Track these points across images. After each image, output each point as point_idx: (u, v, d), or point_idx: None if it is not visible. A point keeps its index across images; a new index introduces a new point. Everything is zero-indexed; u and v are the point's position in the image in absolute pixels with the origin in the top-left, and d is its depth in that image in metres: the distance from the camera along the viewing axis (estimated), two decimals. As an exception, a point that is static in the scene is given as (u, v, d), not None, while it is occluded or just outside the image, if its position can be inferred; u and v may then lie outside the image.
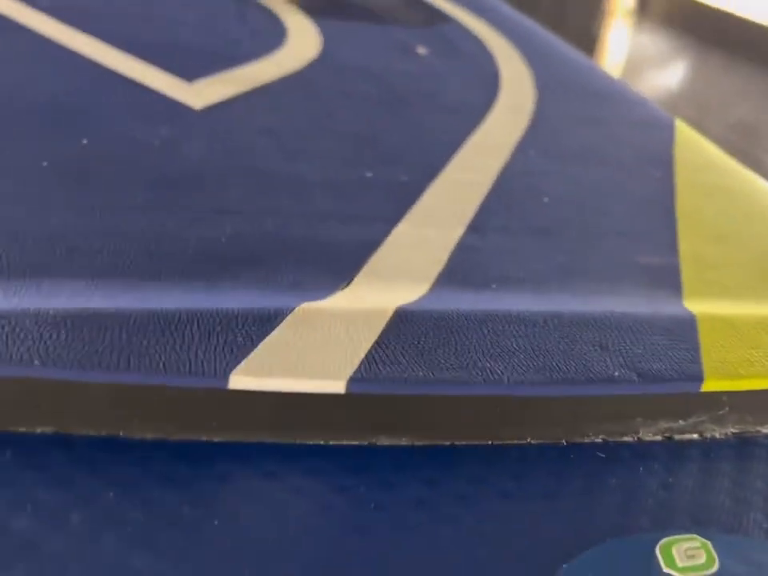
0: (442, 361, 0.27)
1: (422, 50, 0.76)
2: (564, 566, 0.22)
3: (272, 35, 0.70)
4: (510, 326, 0.30)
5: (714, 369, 0.30)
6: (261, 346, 0.26)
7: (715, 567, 0.23)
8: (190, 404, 0.24)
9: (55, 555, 0.22)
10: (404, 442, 0.26)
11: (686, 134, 0.64)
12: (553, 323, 0.30)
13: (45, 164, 0.39)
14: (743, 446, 0.30)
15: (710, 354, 0.31)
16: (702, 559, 0.24)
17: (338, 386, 0.26)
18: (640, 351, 0.30)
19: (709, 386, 0.29)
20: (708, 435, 0.30)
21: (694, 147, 0.61)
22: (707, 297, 0.35)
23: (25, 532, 0.22)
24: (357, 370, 0.26)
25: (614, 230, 0.42)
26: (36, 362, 0.24)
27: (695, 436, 0.30)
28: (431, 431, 0.27)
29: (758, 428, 0.31)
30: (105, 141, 0.43)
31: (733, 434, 0.31)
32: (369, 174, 0.46)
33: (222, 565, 0.22)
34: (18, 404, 0.24)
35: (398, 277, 0.33)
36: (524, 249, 0.38)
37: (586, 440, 0.29)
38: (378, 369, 0.26)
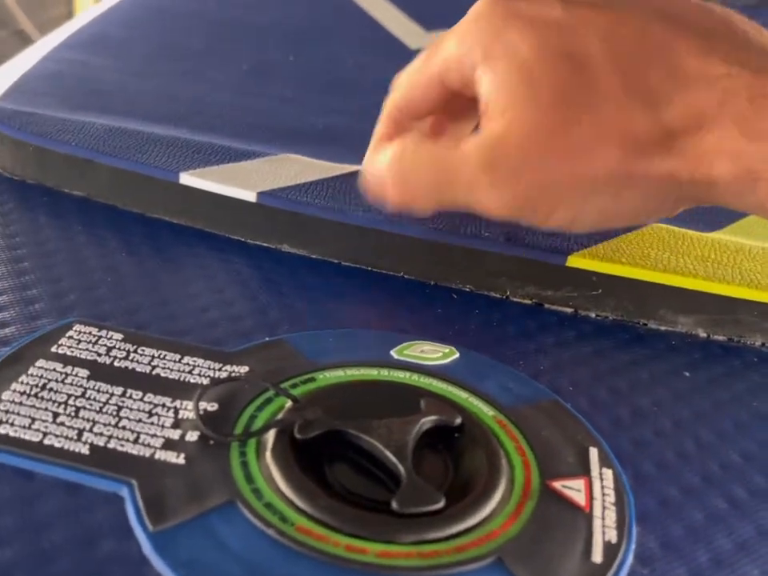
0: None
1: None
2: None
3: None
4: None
5: (582, 250, 0.32)
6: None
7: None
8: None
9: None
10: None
11: None
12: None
13: (245, 67, 0.54)
14: (614, 328, 0.32)
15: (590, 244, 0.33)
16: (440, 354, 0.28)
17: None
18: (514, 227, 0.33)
19: (574, 261, 0.32)
20: (583, 313, 0.32)
21: None
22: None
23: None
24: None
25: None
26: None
27: (569, 310, 0.32)
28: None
29: (642, 320, 0.32)
30: (314, 59, 0.57)
31: (613, 319, 0.32)
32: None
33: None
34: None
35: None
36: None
37: (456, 285, 0.33)
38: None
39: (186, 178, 0.34)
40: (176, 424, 0.23)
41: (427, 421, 0.24)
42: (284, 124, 0.45)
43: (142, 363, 0.26)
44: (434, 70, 0.29)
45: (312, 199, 0.34)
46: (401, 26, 0.67)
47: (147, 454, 0.22)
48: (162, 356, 0.26)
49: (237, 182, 0.34)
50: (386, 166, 0.28)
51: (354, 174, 0.36)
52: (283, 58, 0.56)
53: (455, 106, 0.30)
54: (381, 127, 0.31)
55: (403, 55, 0.59)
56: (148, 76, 0.50)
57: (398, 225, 0.33)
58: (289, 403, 0.24)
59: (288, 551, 0.20)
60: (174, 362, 0.26)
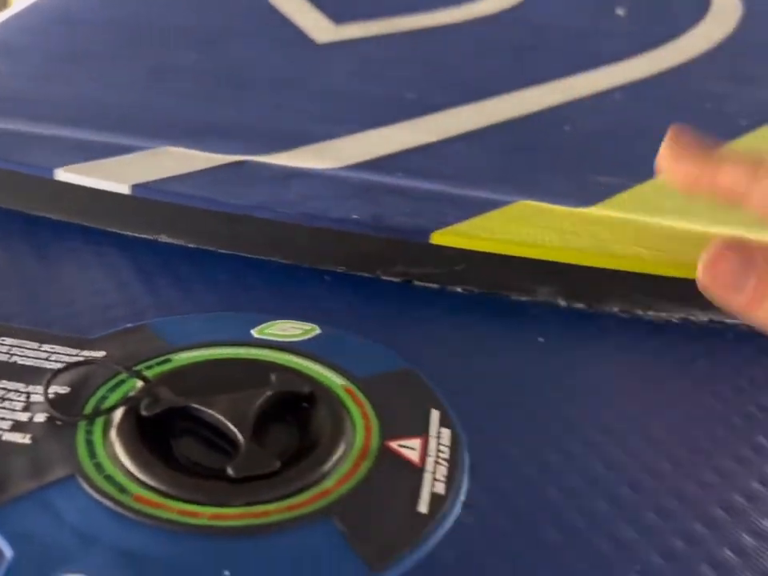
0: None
1: (621, 12, 0.78)
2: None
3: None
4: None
5: (444, 228, 0.33)
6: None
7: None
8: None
9: None
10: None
11: None
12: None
13: (147, 67, 0.54)
14: (480, 301, 0.33)
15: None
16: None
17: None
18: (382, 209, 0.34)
19: (437, 239, 0.33)
20: (450, 288, 0.34)
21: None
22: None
23: None
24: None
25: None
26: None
27: (436, 286, 0.34)
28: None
29: (504, 292, 0.33)
30: (218, 57, 0.57)
31: (479, 293, 0.34)
32: (410, 96, 0.54)
33: None
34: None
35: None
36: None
37: (329, 267, 0.34)
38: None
39: (62, 174, 0.35)
40: (26, 407, 0.24)
41: (273, 392, 0.25)
42: (178, 119, 0.45)
43: (0, 352, 0.26)
44: None
45: (186, 189, 0.35)
46: (311, 20, 0.68)
47: (-6, 437, 0.23)
48: (21, 345, 0.27)
49: (111, 176, 0.35)
50: None
51: (230, 165, 0.37)
52: (187, 57, 0.57)
53: None
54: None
55: (309, 50, 0.61)
56: (49, 80, 0.50)
57: (270, 211, 0.34)
58: (140, 384, 0.25)
59: (123, 519, 0.21)
60: (33, 349, 0.27)
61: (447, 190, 0.37)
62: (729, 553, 0.23)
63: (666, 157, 0.31)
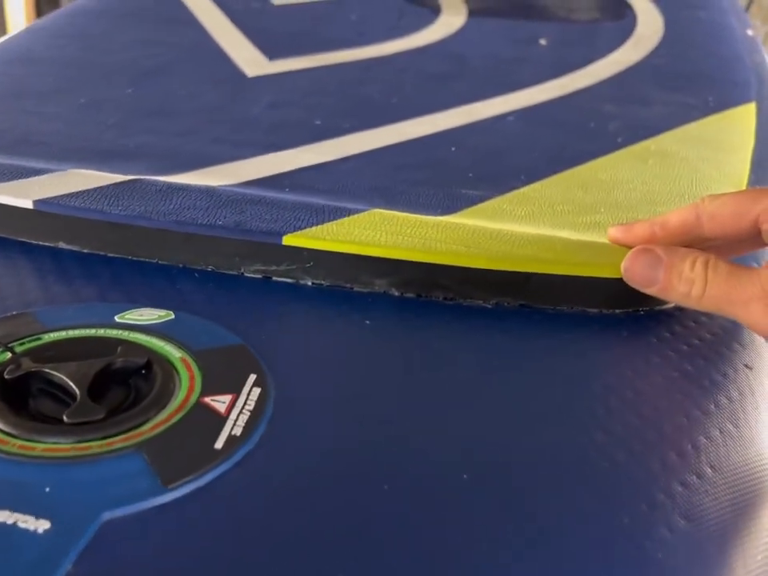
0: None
1: (543, 42, 0.85)
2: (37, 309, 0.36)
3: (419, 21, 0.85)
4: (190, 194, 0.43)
5: (295, 232, 0.39)
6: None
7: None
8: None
9: None
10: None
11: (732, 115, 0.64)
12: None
13: (82, 101, 0.61)
14: (327, 292, 0.39)
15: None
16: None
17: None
18: (244, 216, 0.40)
19: (288, 240, 0.39)
20: (302, 282, 0.40)
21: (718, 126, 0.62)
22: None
23: None
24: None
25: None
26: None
27: (290, 280, 0.40)
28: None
29: (348, 284, 0.39)
30: (151, 90, 0.64)
31: (326, 284, 0.40)
32: (318, 122, 0.60)
33: None
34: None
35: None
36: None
37: (200, 267, 0.40)
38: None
39: (-24, 193, 0.41)
40: None
41: (113, 361, 0.31)
42: (95, 145, 0.52)
43: None
44: (756, 210, 0.34)
45: (80, 203, 0.41)
46: (246, 56, 0.75)
47: None
48: None
49: (18, 193, 0.41)
50: (693, 269, 0.34)
51: (123, 183, 0.44)
52: (122, 91, 0.63)
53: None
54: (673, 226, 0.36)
55: (238, 83, 0.68)
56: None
57: (148, 220, 0.40)
58: (9, 355, 0.31)
59: (-27, 452, 0.27)
60: (-73, 331, 0.33)
61: (311, 200, 0.43)
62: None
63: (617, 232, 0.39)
